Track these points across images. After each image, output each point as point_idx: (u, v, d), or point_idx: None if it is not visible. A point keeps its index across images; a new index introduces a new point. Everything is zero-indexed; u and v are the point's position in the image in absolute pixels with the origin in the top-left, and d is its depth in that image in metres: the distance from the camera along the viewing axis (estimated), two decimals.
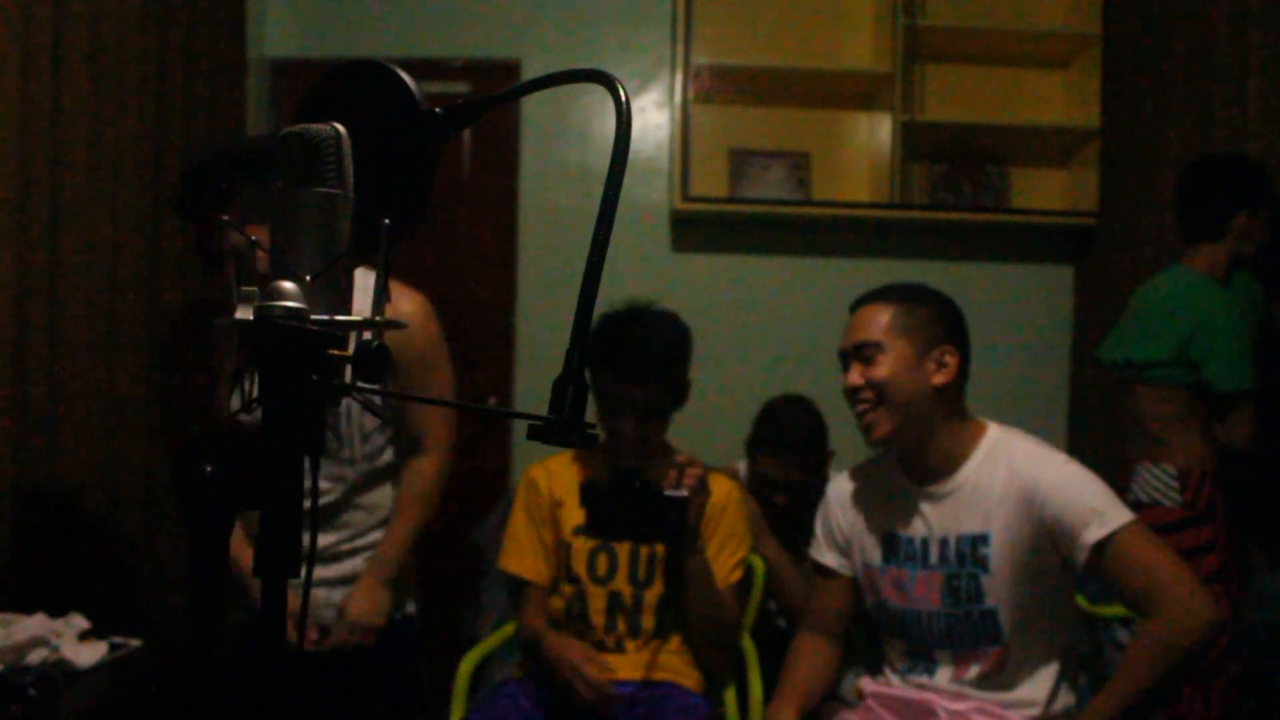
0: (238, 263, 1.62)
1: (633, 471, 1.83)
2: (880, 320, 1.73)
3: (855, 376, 1.73)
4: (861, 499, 1.85)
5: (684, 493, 1.82)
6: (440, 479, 1.93)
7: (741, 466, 2.64)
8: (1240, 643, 2.23)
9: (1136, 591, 1.58)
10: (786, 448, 2.46)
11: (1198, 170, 2.52)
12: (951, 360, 1.72)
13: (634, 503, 1.80)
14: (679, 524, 1.80)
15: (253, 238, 0.71)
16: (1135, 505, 2.35)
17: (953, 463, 1.72)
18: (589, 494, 1.83)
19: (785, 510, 2.44)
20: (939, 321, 1.74)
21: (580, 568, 1.99)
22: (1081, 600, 1.99)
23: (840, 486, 1.90)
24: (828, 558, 1.88)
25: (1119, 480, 2.46)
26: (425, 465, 1.91)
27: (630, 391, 1.95)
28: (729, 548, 2.01)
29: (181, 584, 2.48)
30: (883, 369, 1.70)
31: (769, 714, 1.80)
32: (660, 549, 1.97)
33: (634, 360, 1.94)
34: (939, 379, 1.71)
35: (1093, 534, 1.58)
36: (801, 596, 2.18)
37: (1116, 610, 2.07)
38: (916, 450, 1.74)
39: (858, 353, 1.74)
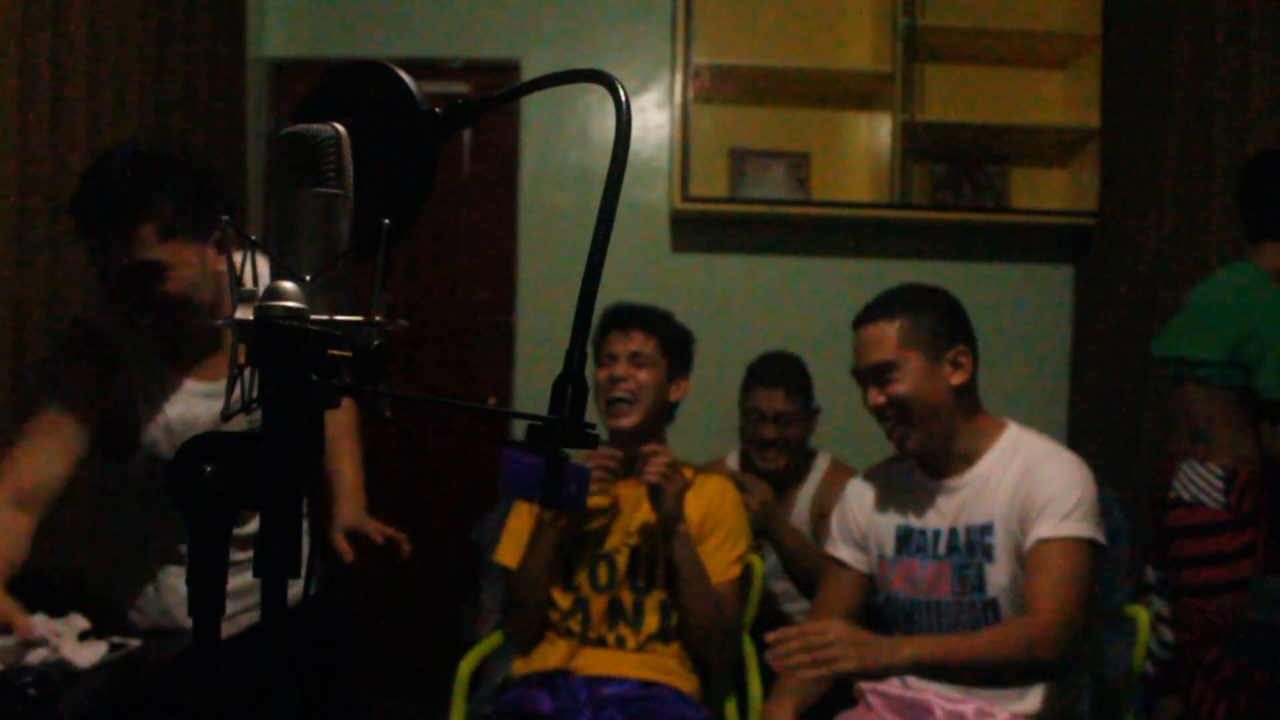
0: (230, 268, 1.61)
1: (541, 434, 1.82)
2: (888, 337, 1.72)
3: (876, 396, 1.74)
4: (879, 495, 1.86)
5: (589, 464, 1.85)
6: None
7: (732, 458, 2.65)
8: (1241, 643, 2.21)
9: (1032, 590, 1.59)
10: (772, 377, 2.58)
11: (1259, 165, 2.41)
12: (965, 360, 1.73)
13: (538, 466, 1.80)
14: (579, 495, 1.79)
15: (253, 238, 0.71)
16: (1177, 503, 2.32)
17: (970, 458, 1.74)
18: (503, 453, 1.85)
19: (776, 478, 2.51)
20: (945, 323, 1.74)
21: (581, 577, 1.99)
22: None
23: (858, 486, 1.92)
24: (843, 552, 1.89)
25: (1157, 478, 2.44)
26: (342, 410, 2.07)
27: (623, 343, 2.02)
28: (726, 544, 2.02)
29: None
30: (902, 386, 1.70)
31: (766, 712, 1.80)
32: (659, 552, 1.97)
33: (627, 315, 2.05)
34: (956, 379, 1.72)
35: (1044, 530, 1.61)
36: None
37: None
38: (939, 449, 1.75)
39: (873, 374, 1.74)
